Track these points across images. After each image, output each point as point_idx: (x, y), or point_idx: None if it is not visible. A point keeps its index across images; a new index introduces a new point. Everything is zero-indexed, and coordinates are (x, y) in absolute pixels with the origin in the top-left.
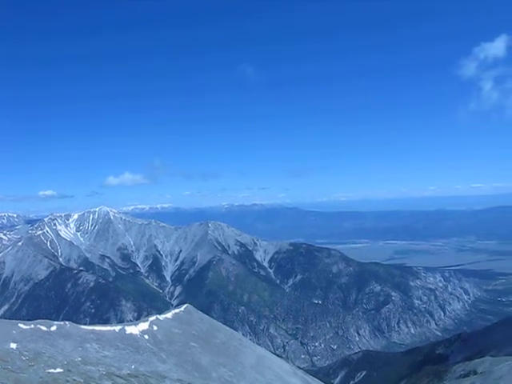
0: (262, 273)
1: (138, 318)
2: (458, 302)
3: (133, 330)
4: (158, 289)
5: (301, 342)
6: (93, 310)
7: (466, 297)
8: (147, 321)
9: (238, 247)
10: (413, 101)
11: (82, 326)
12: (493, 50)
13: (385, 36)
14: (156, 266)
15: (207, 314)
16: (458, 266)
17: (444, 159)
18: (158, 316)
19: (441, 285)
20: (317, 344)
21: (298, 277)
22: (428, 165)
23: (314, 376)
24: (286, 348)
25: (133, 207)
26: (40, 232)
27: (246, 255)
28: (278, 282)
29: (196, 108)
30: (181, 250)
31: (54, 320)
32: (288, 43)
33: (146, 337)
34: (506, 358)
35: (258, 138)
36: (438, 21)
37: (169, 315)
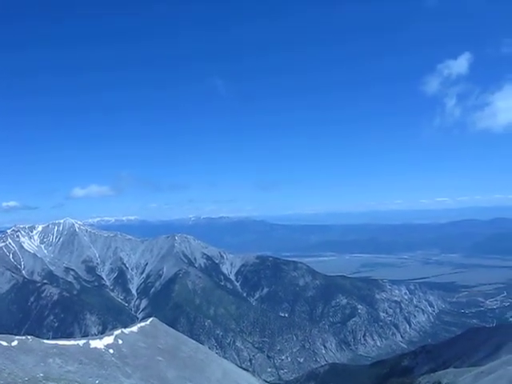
0: (229, 286)
1: (102, 332)
2: (423, 314)
3: (97, 344)
4: (123, 302)
5: (267, 356)
6: (56, 324)
7: (430, 309)
8: (112, 335)
9: (205, 260)
10: (379, 114)
11: (45, 341)
12: (456, 67)
13: (350, 48)
14: (122, 279)
15: (173, 328)
16: (422, 278)
17: (410, 173)
18: (124, 330)
19: (406, 297)
20: (283, 357)
21: (265, 290)
22: (394, 178)
23: None
24: (253, 361)
25: (99, 219)
26: (2, 244)
27: (212, 268)
28: (244, 295)
29: (164, 120)
30: (147, 263)
31: (16, 335)
32: (258, 56)
33: (111, 351)
34: (469, 369)
35: (227, 150)
36: (403, 34)
37: (134, 329)
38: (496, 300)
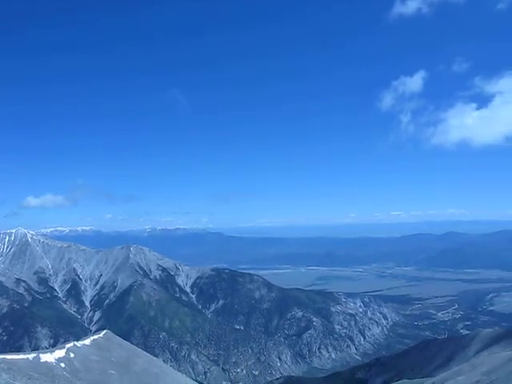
0: (184, 298)
1: (54, 345)
2: (377, 326)
3: (48, 357)
4: (76, 314)
5: (222, 369)
6: (5, 338)
7: (384, 321)
8: (64, 348)
9: (160, 272)
10: (334, 128)
11: None
12: (411, 84)
13: (304, 61)
14: (75, 291)
15: (127, 340)
16: (377, 291)
17: (364, 187)
18: (76, 342)
19: (361, 310)
20: (239, 370)
21: (221, 302)
22: (348, 192)
23: None
24: (208, 374)
25: (52, 229)
26: None
27: (167, 280)
28: (200, 307)
29: (121, 131)
30: (101, 274)
31: None
32: (213, 69)
33: (62, 365)
34: (421, 380)
35: (183, 162)
36: (359, 49)
37: (87, 342)
38: (448, 312)
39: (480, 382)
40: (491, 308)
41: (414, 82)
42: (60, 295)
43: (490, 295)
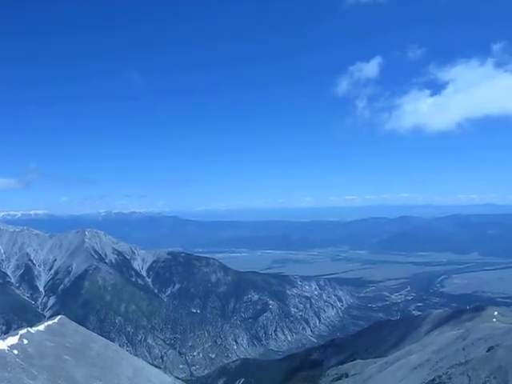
0: (140, 282)
1: (6, 332)
2: (332, 309)
3: (0, 344)
4: (29, 300)
5: (179, 352)
6: None
7: (339, 304)
8: (17, 334)
9: (116, 256)
10: (290, 112)
11: None
12: (367, 69)
13: (261, 45)
14: (28, 276)
15: (82, 326)
16: (332, 274)
17: (319, 171)
18: (29, 329)
19: (316, 293)
20: (195, 353)
21: (177, 286)
22: (304, 176)
23: None
24: (164, 358)
25: (4, 213)
26: None
27: (123, 264)
28: (156, 291)
29: (76, 115)
30: (55, 259)
31: None
32: (170, 52)
33: (15, 352)
34: (374, 360)
35: (138, 146)
36: (317, 32)
37: (41, 328)
38: (400, 294)
39: (430, 361)
40: (442, 290)
41: (370, 68)
42: (13, 281)
43: (441, 277)
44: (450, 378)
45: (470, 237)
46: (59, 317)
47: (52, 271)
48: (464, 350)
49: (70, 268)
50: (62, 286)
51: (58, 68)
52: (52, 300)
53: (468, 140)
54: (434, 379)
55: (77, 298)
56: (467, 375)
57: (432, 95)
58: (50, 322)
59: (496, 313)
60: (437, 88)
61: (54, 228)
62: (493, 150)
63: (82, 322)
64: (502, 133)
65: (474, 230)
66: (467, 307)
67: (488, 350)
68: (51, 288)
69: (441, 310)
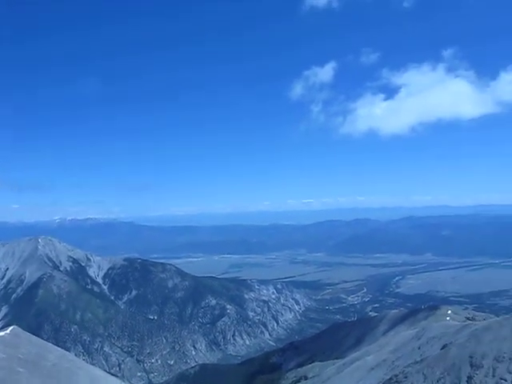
0: (96, 289)
1: None
2: (290, 312)
3: None
4: None
5: (137, 360)
6: None
7: (297, 307)
8: None
9: (71, 263)
10: (246, 116)
11: None
12: (322, 74)
13: (218, 48)
14: None
15: (37, 336)
16: (289, 277)
17: (277, 175)
18: None
19: (274, 296)
20: (153, 360)
21: (134, 292)
22: (263, 180)
23: None
24: (122, 366)
25: None
26: None
27: (78, 271)
28: (112, 298)
29: (26, 122)
30: (8, 268)
31: None
32: (126, 57)
33: None
34: (332, 362)
35: (93, 152)
36: (271, 36)
37: None
38: (357, 296)
39: (387, 360)
40: (397, 290)
41: (325, 72)
42: None
43: (396, 278)
44: (406, 377)
45: (424, 238)
46: (12, 327)
47: (4, 280)
48: (419, 348)
49: (22, 276)
50: (14, 295)
51: (10, 76)
52: (4, 310)
53: (421, 143)
54: (390, 378)
55: (30, 308)
56: (423, 373)
57: (385, 99)
58: (1, 333)
59: (449, 311)
60: (390, 92)
61: (6, 236)
62: (445, 153)
63: (36, 331)
64: (454, 136)
65: (428, 231)
66: (422, 307)
67: (442, 348)
68: (3, 297)
69: (396, 311)
